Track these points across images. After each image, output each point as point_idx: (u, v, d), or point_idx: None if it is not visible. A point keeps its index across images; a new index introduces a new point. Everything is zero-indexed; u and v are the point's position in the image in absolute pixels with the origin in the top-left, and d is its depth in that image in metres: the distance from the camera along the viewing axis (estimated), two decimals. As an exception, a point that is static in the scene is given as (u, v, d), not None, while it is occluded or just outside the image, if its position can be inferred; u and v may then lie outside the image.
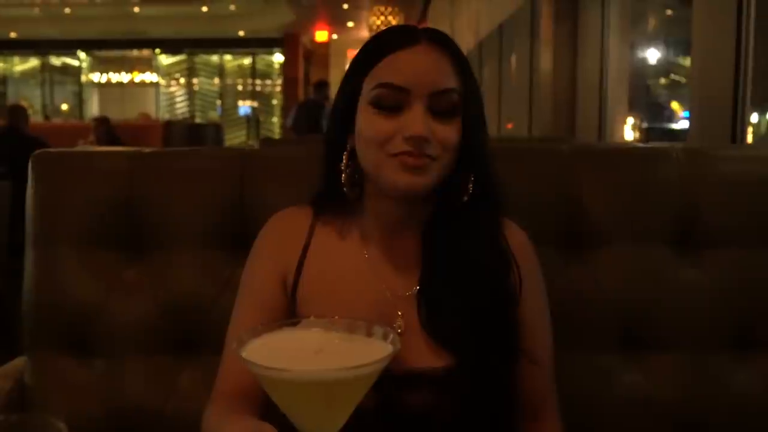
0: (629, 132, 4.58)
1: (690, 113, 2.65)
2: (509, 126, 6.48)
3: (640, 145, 2.74)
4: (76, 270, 1.36)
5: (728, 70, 2.40)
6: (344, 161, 1.08)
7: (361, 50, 1.10)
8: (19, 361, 1.38)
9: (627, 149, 1.76)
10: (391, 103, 1.02)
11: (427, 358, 1.05)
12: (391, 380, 0.94)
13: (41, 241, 1.37)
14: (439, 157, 1.02)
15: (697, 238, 1.37)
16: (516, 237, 1.15)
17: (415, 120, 1.00)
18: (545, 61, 4.79)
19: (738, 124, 2.33)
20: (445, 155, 1.03)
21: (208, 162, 1.45)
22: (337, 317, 0.71)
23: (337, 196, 1.11)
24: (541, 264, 1.16)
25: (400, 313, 1.07)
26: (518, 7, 5.46)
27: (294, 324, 0.71)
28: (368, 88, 1.04)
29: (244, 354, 0.63)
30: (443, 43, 1.06)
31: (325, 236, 1.14)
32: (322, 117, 7.71)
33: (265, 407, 0.96)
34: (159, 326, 1.35)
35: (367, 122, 1.04)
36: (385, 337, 0.66)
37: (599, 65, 4.24)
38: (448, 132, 1.03)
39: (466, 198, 1.08)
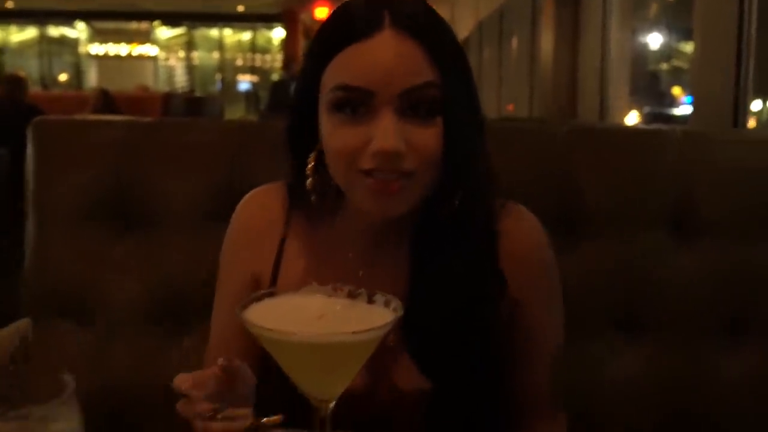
0: (631, 117, 4.59)
1: (692, 98, 2.65)
2: (510, 107, 6.47)
3: (640, 126, 2.74)
4: (72, 239, 1.36)
5: (730, 56, 2.40)
6: (310, 166, 0.94)
7: (319, 32, 0.92)
8: (22, 323, 1.38)
9: (625, 130, 1.76)
10: (354, 108, 0.85)
11: (409, 377, 0.94)
12: (366, 399, 0.90)
13: (40, 208, 1.38)
14: (417, 171, 0.86)
15: (693, 224, 1.37)
16: (520, 233, 1.01)
17: (384, 131, 0.83)
18: (546, 42, 4.78)
19: (740, 110, 2.33)
20: (425, 168, 0.87)
21: (207, 134, 1.44)
22: (339, 284, 0.72)
23: (308, 198, 0.97)
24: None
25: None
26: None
27: (296, 291, 0.71)
28: (328, 87, 0.88)
29: (247, 316, 0.63)
30: (413, 25, 0.86)
31: (304, 230, 1.01)
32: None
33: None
34: (151, 299, 1.35)
35: (330, 131, 0.88)
36: (386, 305, 0.67)
37: (600, 49, 4.23)
38: (428, 137, 0.86)
39: (453, 209, 0.93)
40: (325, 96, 0.88)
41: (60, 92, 13.92)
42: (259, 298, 0.68)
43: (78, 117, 1.49)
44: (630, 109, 4.58)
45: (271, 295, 0.70)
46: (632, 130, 1.83)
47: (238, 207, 1.07)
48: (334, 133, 0.87)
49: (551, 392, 1.03)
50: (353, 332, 0.62)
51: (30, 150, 1.37)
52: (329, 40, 0.89)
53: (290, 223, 1.02)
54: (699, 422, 1.35)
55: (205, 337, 1.11)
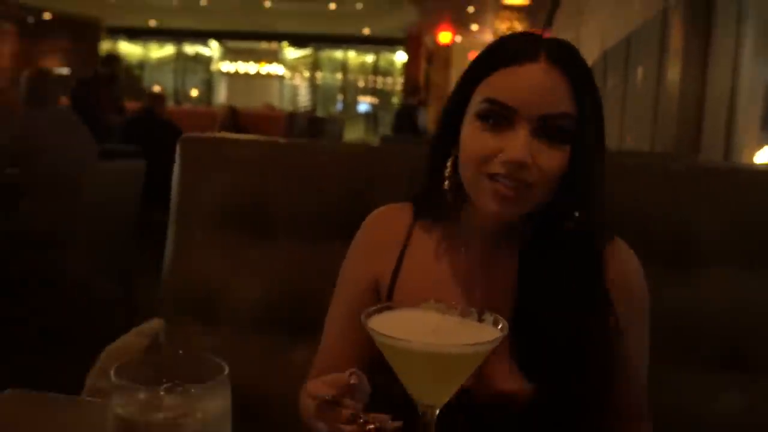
0: (762, 154, 4.39)
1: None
2: (629, 140, 6.36)
3: (756, 165, 2.67)
4: (206, 245, 1.49)
5: None
6: (449, 168, 1.06)
7: (478, 56, 1.04)
8: (155, 323, 1.51)
9: (739, 169, 1.74)
10: (497, 120, 0.97)
11: (511, 380, 1.01)
12: (472, 398, 0.97)
13: (182, 217, 1.51)
14: (536, 184, 0.97)
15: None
16: (622, 265, 1.09)
17: (517, 143, 0.95)
18: (673, 74, 4.67)
19: None
20: (544, 183, 0.97)
21: (330, 156, 1.53)
22: (453, 302, 0.78)
23: (438, 200, 1.08)
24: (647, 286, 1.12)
25: None
26: (647, 19, 5.35)
27: (413, 305, 0.78)
28: (477, 100, 1.00)
29: (371, 324, 0.71)
30: (566, 61, 0.99)
31: (423, 239, 1.12)
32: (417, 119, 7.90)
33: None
34: (276, 306, 1.45)
35: (470, 135, 1.00)
36: (495, 324, 0.73)
37: (730, 82, 4.11)
38: (553, 159, 0.97)
39: (569, 227, 1.02)
40: (473, 107, 1.00)
41: (191, 107, 14.67)
42: (379, 311, 0.75)
43: (219, 135, 1.61)
44: (761, 146, 4.40)
45: (389, 308, 0.77)
46: (746, 168, 1.81)
47: (367, 219, 1.18)
48: (474, 138, 0.99)
49: (641, 406, 1.11)
50: (464, 345, 0.68)
51: (177, 162, 1.51)
52: (487, 60, 1.01)
53: (412, 236, 1.13)
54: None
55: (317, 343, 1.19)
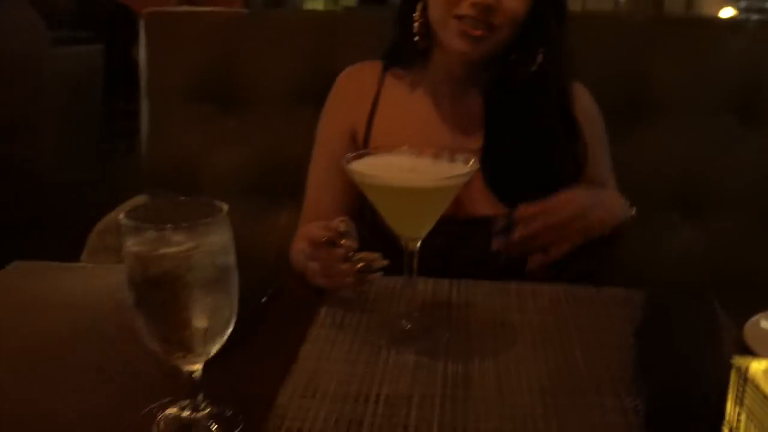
0: (725, 12, 4.38)
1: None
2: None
3: (715, 16, 2.71)
4: (180, 118, 1.52)
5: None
6: (418, 12, 1.12)
7: None
8: (139, 199, 1.55)
9: (697, 19, 1.78)
10: None
11: (485, 207, 1.11)
12: (453, 224, 1.04)
13: (153, 93, 1.53)
14: (500, 26, 1.04)
15: (758, 110, 1.43)
16: (582, 101, 1.19)
17: None
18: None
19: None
20: (507, 26, 1.05)
21: (297, 24, 1.55)
22: (426, 147, 0.84)
23: (407, 47, 1.15)
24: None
25: None
26: None
27: (389, 150, 0.83)
28: None
29: (354, 167, 0.77)
30: None
31: (394, 88, 1.20)
32: None
33: None
34: (255, 172, 1.49)
35: None
36: (466, 161, 0.79)
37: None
38: (517, 2, 1.04)
39: (532, 68, 1.09)
40: None
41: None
42: (358, 156, 0.81)
43: (182, 9, 1.60)
44: (724, 4, 4.41)
45: (368, 154, 0.82)
46: (704, 19, 1.86)
47: (340, 76, 1.25)
48: None
49: None
50: (440, 178, 0.76)
51: (142, 39, 1.51)
52: None
53: (383, 86, 1.20)
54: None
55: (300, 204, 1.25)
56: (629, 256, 1.25)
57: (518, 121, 1.12)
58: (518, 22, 1.06)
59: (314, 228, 0.93)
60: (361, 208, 1.05)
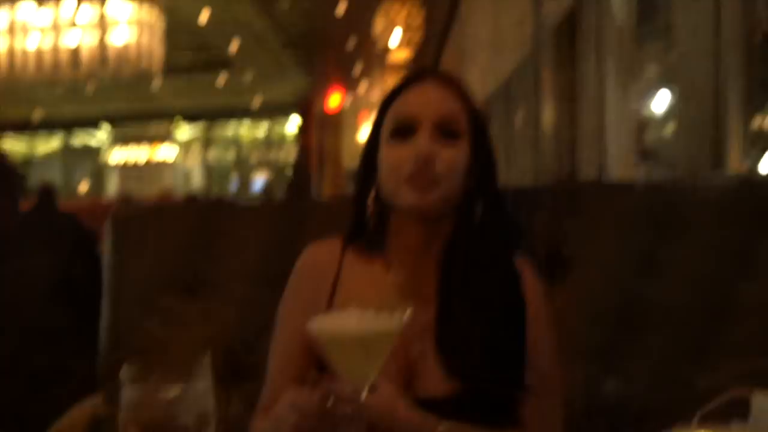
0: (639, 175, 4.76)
1: (676, 143, 2.88)
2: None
3: (610, 181, 3.02)
4: (145, 309, 1.62)
5: (709, 105, 2.65)
6: (371, 197, 1.26)
7: (385, 96, 1.29)
8: (94, 400, 1.60)
9: (598, 185, 2.00)
10: (403, 131, 1.20)
11: (438, 383, 1.16)
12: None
13: (117, 288, 1.63)
14: (445, 176, 1.18)
15: (663, 260, 1.60)
16: (525, 268, 1.28)
17: (422, 142, 1.18)
18: (547, 112, 5.08)
19: (718, 154, 2.58)
20: (451, 175, 1.19)
21: (254, 213, 1.73)
22: (369, 304, 0.95)
23: (364, 228, 1.28)
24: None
25: (419, 341, 1.20)
26: (521, 64, 5.78)
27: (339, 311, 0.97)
28: (387, 124, 1.24)
29: (310, 327, 0.90)
30: (446, 78, 1.27)
31: (354, 265, 1.29)
32: None
33: None
34: (221, 358, 1.57)
35: (386, 152, 1.23)
36: (403, 312, 0.93)
37: (597, 114, 4.49)
38: (453, 154, 1.19)
39: (476, 221, 1.22)
40: (385, 131, 1.24)
41: (82, 201, 14.26)
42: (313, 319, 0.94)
43: (144, 208, 1.75)
44: (637, 168, 4.76)
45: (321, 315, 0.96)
46: (600, 184, 2.09)
47: (300, 257, 1.34)
48: (389, 153, 1.23)
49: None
50: (382, 323, 0.91)
51: (108, 240, 1.64)
52: (391, 92, 1.27)
53: (343, 265, 1.30)
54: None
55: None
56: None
57: (470, 290, 1.21)
58: (459, 172, 1.20)
59: (299, 399, 1.00)
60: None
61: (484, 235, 1.23)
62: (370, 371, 0.91)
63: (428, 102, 1.22)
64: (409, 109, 1.22)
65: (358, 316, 0.94)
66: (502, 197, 1.27)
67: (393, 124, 1.23)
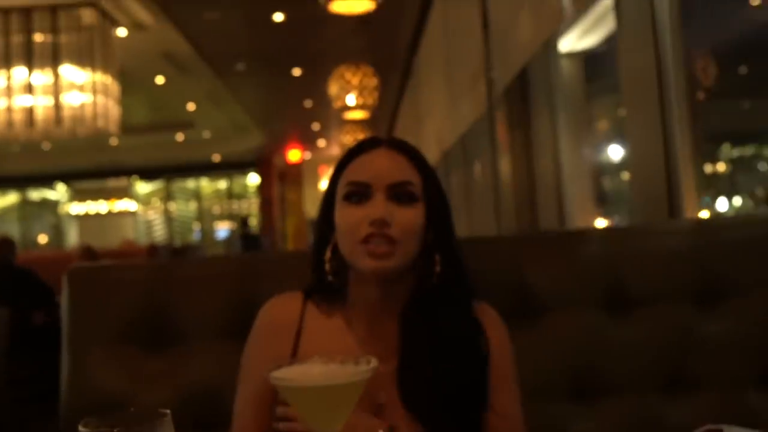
0: (600, 224, 4.89)
1: (632, 194, 2.96)
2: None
3: (569, 230, 3.09)
4: (106, 364, 1.59)
5: (660, 156, 2.74)
6: (328, 254, 1.28)
7: (338, 161, 1.32)
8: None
9: (565, 233, 2.06)
10: (358, 196, 1.23)
11: (402, 426, 1.20)
12: None
13: (76, 341, 1.61)
14: (400, 239, 1.20)
15: (623, 301, 1.66)
16: (487, 313, 1.32)
17: (376, 206, 1.20)
18: (505, 165, 5.18)
19: (674, 202, 2.66)
20: (407, 237, 1.21)
21: (213, 267, 1.73)
22: (333, 355, 0.97)
23: (324, 285, 1.30)
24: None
25: (383, 389, 1.22)
26: (476, 119, 5.91)
27: (302, 362, 0.97)
28: (341, 187, 1.26)
29: (272, 378, 0.91)
30: (399, 145, 1.29)
31: (315, 319, 1.31)
32: None
33: None
34: (180, 411, 1.56)
35: (341, 214, 1.25)
36: (368, 363, 0.93)
37: (554, 166, 4.61)
38: (408, 216, 1.22)
39: (434, 279, 1.25)
40: (340, 194, 1.26)
41: (42, 253, 14.09)
42: (278, 368, 0.94)
43: (103, 264, 1.75)
44: (598, 218, 4.88)
45: (286, 365, 0.96)
46: (563, 233, 2.14)
47: (261, 310, 1.35)
48: (344, 215, 1.24)
49: None
50: (346, 376, 0.91)
51: (65, 293, 1.62)
52: (345, 157, 1.30)
53: (304, 319, 1.32)
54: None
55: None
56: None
57: (430, 342, 1.24)
58: (415, 234, 1.22)
59: None
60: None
61: (442, 291, 1.27)
62: (337, 420, 0.92)
63: (381, 169, 1.24)
64: (363, 175, 1.24)
65: (323, 367, 0.95)
66: (458, 253, 1.29)
67: (347, 189, 1.25)
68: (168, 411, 0.72)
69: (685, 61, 2.78)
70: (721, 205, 3.49)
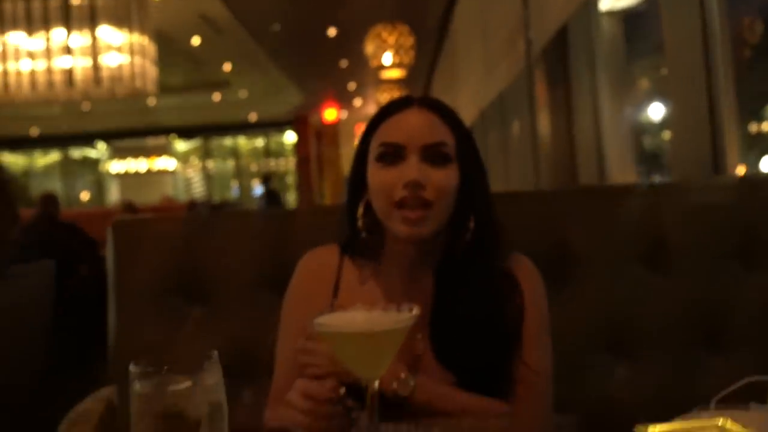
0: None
1: (672, 152, 2.91)
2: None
3: (612, 184, 3.05)
4: (149, 313, 1.64)
5: (703, 115, 2.69)
6: (360, 210, 1.28)
7: (371, 118, 1.31)
8: (108, 390, 1.63)
9: (606, 187, 2.04)
10: (391, 157, 1.22)
11: (436, 376, 1.23)
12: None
13: (121, 291, 1.65)
14: (435, 201, 1.20)
15: (664, 256, 1.65)
16: (522, 266, 1.31)
17: (410, 168, 1.19)
18: (543, 123, 5.13)
19: (718, 161, 2.62)
20: (442, 199, 1.21)
21: (249, 221, 1.76)
22: (377, 304, 0.99)
23: (357, 241, 1.31)
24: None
25: (419, 336, 1.25)
26: (514, 78, 5.84)
27: (345, 309, 0.99)
28: (374, 147, 1.25)
29: (316, 320, 0.92)
30: (432, 104, 1.27)
31: (352, 272, 1.34)
32: None
33: None
34: (222, 358, 1.60)
35: (374, 175, 1.24)
36: (410, 310, 0.94)
37: (593, 125, 4.55)
38: (443, 177, 1.21)
39: (469, 237, 1.25)
40: (372, 154, 1.25)
41: (84, 209, 14.36)
42: (321, 314, 0.96)
43: (147, 217, 1.78)
44: (636, 177, 4.82)
45: (329, 312, 0.97)
46: (605, 187, 2.12)
47: (300, 262, 1.38)
48: (377, 176, 1.24)
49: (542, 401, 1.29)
50: (389, 323, 0.92)
51: (110, 245, 1.66)
52: (377, 117, 1.28)
53: (341, 272, 1.34)
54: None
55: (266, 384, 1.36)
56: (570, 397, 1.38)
57: (465, 296, 1.25)
58: (449, 195, 1.22)
59: (311, 387, 1.09)
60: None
61: (477, 248, 1.27)
62: (380, 366, 0.93)
63: (414, 129, 1.23)
64: (396, 136, 1.23)
65: (366, 314, 0.96)
66: (493, 212, 1.28)
67: (380, 149, 1.24)
68: (215, 351, 0.74)
69: (730, 19, 2.71)
70: (766, 164, 3.45)
